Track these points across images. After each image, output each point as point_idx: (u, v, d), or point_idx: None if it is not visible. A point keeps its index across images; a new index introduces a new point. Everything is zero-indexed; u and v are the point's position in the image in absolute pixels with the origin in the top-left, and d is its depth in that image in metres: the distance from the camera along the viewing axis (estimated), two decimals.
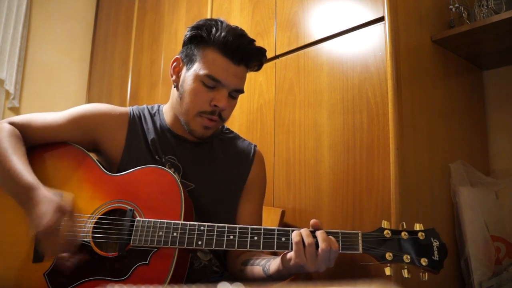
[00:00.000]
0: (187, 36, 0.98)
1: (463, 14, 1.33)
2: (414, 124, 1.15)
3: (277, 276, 0.86)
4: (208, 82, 0.93)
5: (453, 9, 1.32)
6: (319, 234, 0.78)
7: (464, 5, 1.34)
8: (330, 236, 0.78)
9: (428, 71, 1.26)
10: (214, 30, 0.93)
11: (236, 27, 0.96)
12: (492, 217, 1.29)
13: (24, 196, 0.82)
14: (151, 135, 1.02)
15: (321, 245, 0.76)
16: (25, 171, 0.84)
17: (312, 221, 0.81)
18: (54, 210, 0.79)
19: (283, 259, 0.82)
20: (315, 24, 1.36)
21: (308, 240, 0.77)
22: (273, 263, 0.86)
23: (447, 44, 1.32)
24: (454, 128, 1.34)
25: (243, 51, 0.94)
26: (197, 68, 0.94)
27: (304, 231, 0.79)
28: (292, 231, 0.81)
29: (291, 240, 0.79)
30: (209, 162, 1.05)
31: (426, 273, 0.77)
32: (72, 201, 0.84)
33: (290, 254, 0.79)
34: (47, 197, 0.81)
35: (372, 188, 1.10)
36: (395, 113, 1.08)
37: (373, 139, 1.12)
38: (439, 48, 1.32)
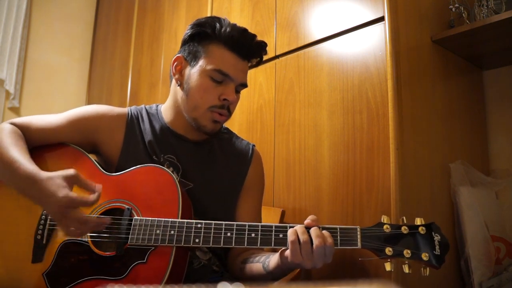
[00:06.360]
0: (189, 34, 0.99)
1: (463, 14, 1.33)
2: (414, 124, 1.15)
3: (277, 272, 0.86)
4: (216, 77, 0.94)
5: (453, 9, 1.32)
6: (313, 231, 0.78)
7: (464, 5, 1.34)
8: (324, 231, 0.78)
9: (428, 71, 1.26)
10: (218, 26, 0.95)
11: (236, 24, 0.98)
12: (492, 217, 1.29)
13: (26, 185, 0.80)
14: (148, 135, 1.02)
15: (315, 241, 0.76)
16: (26, 161, 0.83)
17: (306, 221, 0.81)
18: (62, 183, 0.77)
19: (281, 256, 0.82)
20: (315, 24, 1.36)
21: (303, 237, 0.77)
22: (272, 260, 0.86)
23: (447, 44, 1.32)
24: (454, 128, 1.34)
25: (248, 46, 0.97)
26: (203, 63, 0.95)
27: (299, 229, 0.79)
28: (290, 227, 0.80)
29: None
30: (209, 162, 1.05)
31: (428, 268, 0.76)
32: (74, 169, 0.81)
33: (287, 252, 0.79)
34: (51, 176, 0.79)
35: (372, 188, 1.10)
36: (395, 113, 1.08)
37: (373, 139, 1.12)
38: (439, 48, 1.32)
